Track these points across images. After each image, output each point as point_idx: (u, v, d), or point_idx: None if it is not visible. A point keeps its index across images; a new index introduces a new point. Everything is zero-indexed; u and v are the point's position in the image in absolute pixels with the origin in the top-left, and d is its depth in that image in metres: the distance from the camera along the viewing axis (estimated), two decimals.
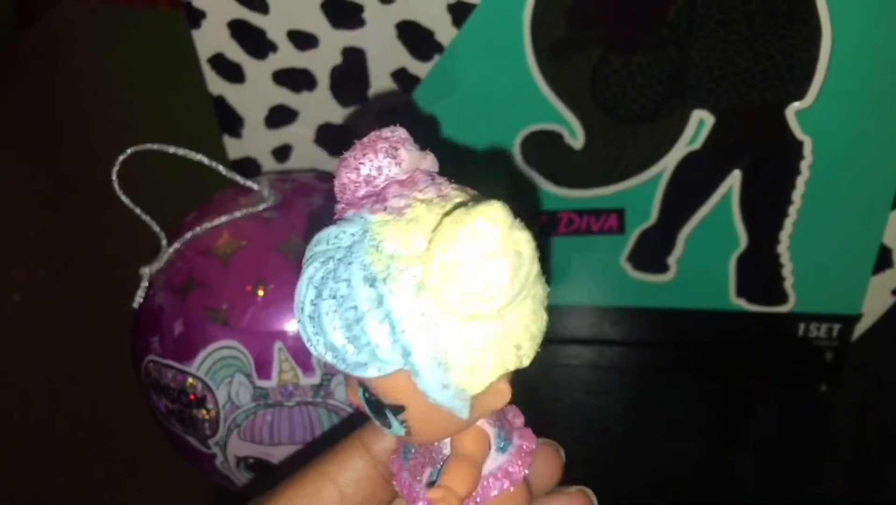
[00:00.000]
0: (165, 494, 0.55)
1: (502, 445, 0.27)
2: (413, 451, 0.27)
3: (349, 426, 0.31)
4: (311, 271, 0.24)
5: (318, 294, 0.23)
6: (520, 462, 0.27)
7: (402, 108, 0.53)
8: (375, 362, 0.23)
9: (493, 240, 0.22)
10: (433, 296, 0.22)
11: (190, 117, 0.74)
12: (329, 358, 0.23)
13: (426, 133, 0.54)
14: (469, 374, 0.23)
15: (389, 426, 0.25)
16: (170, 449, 0.48)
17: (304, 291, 0.23)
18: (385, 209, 0.24)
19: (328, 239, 0.24)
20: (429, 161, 0.26)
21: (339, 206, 0.26)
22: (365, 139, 0.26)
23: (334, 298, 0.23)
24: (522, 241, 0.22)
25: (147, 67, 1.03)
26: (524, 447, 0.28)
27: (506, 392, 0.25)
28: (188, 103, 0.74)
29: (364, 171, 0.25)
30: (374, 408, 0.24)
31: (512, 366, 0.24)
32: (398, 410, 0.24)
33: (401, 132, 0.26)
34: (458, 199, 0.24)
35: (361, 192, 0.25)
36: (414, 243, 0.23)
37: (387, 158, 0.25)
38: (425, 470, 0.27)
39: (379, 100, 0.53)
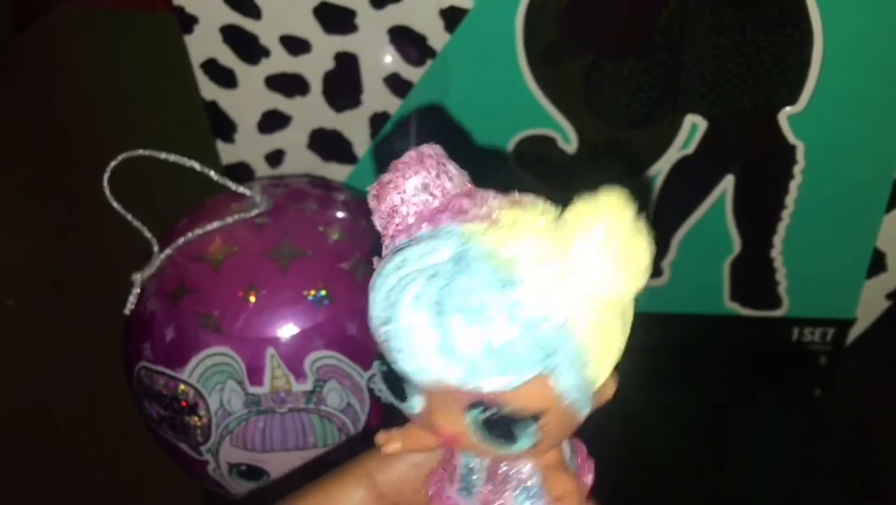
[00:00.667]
0: (159, 500, 0.55)
1: (569, 456, 0.27)
2: (477, 487, 0.26)
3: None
4: (418, 291, 0.22)
5: (440, 312, 0.21)
6: (588, 472, 0.27)
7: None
8: (515, 370, 0.21)
9: (630, 218, 0.22)
10: (576, 286, 0.22)
11: (186, 121, 0.74)
12: (456, 379, 0.21)
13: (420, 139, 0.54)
14: (600, 363, 0.23)
15: (514, 442, 0.23)
16: (163, 455, 0.48)
17: (414, 314, 0.22)
18: (471, 219, 0.23)
19: (418, 258, 0.22)
20: (466, 175, 0.26)
21: (391, 229, 0.24)
22: (406, 158, 0.25)
23: (463, 312, 0.21)
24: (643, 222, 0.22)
25: (144, 70, 1.02)
26: (583, 451, 0.27)
27: (613, 383, 0.25)
28: (185, 106, 0.74)
29: (410, 189, 0.24)
30: (495, 427, 0.23)
31: (621, 354, 0.23)
32: (536, 418, 0.23)
33: (438, 149, 0.25)
34: (534, 203, 0.23)
35: (415, 212, 0.24)
36: (529, 244, 0.22)
37: (440, 175, 0.24)
38: (504, 497, 0.26)
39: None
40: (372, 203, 0.25)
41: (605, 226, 0.21)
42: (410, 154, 0.25)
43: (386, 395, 0.25)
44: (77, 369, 0.63)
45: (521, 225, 0.22)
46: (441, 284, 0.21)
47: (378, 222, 0.25)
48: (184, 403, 0.44)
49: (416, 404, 0.24)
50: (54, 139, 0.92)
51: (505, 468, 0.25)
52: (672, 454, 0.56)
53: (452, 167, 0.25)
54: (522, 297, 0.21)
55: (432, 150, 0.25)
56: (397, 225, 0.24)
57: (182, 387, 0.43)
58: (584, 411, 0.23)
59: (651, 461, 0.56)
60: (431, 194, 0.24)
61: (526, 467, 0.25)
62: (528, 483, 0.25)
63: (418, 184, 0.24)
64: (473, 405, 0.22)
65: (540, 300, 0.21)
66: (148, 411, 0.46)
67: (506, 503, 0.25)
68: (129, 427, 0.51)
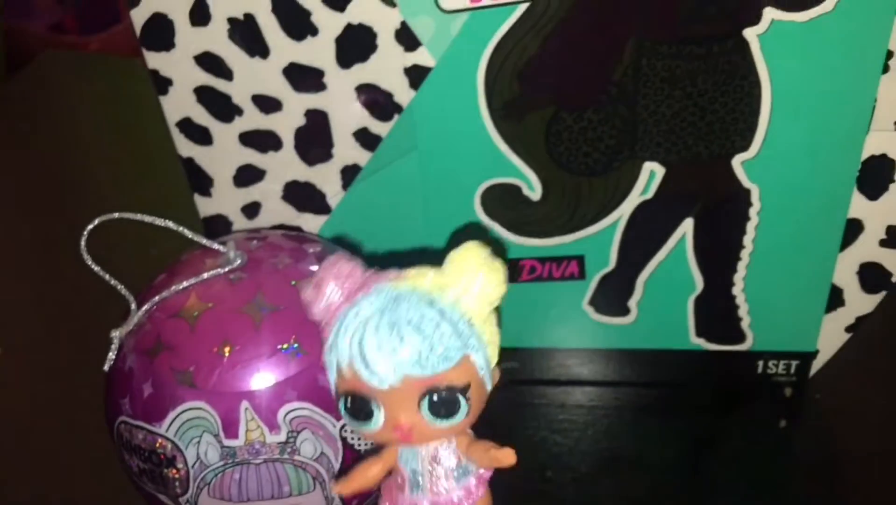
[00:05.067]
0: None
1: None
2: (423, 481, 0.35)
3: None
4: (375, 323, 0.32)
5: (394, 327, 0.31)
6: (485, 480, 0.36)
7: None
8: (450, 355, 0.32)
9: (486, 254, 0.34)
10: (468, 298, 0.33)
11: (167, 168, 0.75)
12: (415, 371, 0.31)
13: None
14: (493, 346, 0.34)
15: (456, 414, 0.33)
16: None
17: (377, 336, 0.31)
18: (389, 280, 0.33)
19: (368, 306, 0.32)
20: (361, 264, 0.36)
21: (328, 315, 0.35)
22: (319, 279, 0.35)
23: (410, 323, 0.31)
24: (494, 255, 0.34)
25: (129, 117, 1.03)
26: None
27: (498, 371, 0.36)
28: (166, 154, 0.75)
29: (332, 289, 0.34)
30: (443, 406, 0.32)
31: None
32: (467, 389, 0.33)
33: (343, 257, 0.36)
34: (419, 269, 0.34)
35: (339, 296, 0.34)
36: (434, 280, 0.33)
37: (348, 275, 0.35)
38: (446, 482, 0.35)
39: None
40: (305, 296, 0.35)
41: (474, 262, 0.33)
42: (333, 262, 0.35)
43: (353, 425, 0.34)
44: (62, 422, 0.64)
45: (421, 275, 0.33)
46: (389, 313, 0.31)
47: (317, 312, 0.35)
48: (162, 457, 0.45)
49: (379, 418, 0.33)
50: (38, 188, 0.92)
51: (439, 460, 0.34)
52: (641, 486, 0.57)
53: (351, 265, 0.35)
54: (443, 307, 0.32)
55: (339, 263, 0.35)
56: (334, 310, 0.34)
57: (160, 441, 0.45)
58: (489, 386, 0.34)
59: (620, 493, 0.57)
60: (346, 281, 0.35)
61: (452, 455, 0.34)
62: (458, 465, 0.34)
63: (338, 283, 0.34)
64: (424, 394, 0.32)
65: (453, 308, 0.32)
66: (129, 464, 0.47)
67: (448, 486, 0.34)
68: (111, 480, 0.52)
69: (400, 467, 0.35)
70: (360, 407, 0.33)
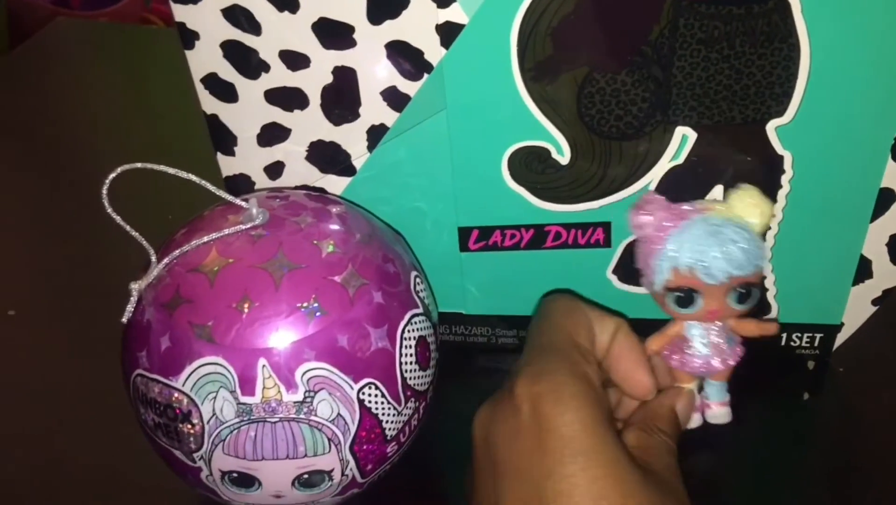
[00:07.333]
0: None
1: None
2: (706, 343, 0.43)
3: None
4: (710, 241, 0.41)
5: (723, 245, 0.41)
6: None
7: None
8: (755, 264, 0.41)
9: (760, 194, 0.44)
10: (759, 228, 0.43)
11: (188, 132, 0.71)
12: (736, 273, 0.41)
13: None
14: (766, 261, 0.46)
15: (747, 303, 0.42)
16: (159, 461, 0.45)
17: (712, 249, 0.41)
18: (701, 211, 0.43)
19: (701, 230, 0.41)
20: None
21: (663, 232, 0.43)
22: (646, 206, 0.44)
23: (734, 242, 0.41)
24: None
25: (144, 83, 1.00)
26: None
27: None
28: (185, 118, 0.72)
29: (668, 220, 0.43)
30: (742, 298, 0.42)
31: None
32: (757, 285, 0.42)
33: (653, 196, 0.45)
34: (705, 203, 0.44)
35: (665, 223, 0.43)
36: (732, 213, 0.43)
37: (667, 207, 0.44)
38: (722, 343, 0.44)
39: None
40: (643, 220, 0.43)
41: (760, 199, 0.43)
42: (654, 198, 0.44)
43: (676, 310, 0.43)
44: (79, 378, 0.61)
45: (725, 207, 0.43)
46: (720, 235, 0.41)
47: (651, 228, 0.43)
48: (178, 411, 0.41)
49: (699, 304, 0.42)
50: (53, 150, 0.89)
51: (720, 332, 0.43)
52: None
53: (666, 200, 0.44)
54: (749, 231, 0.42)
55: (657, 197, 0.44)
56: (668, 228, 0.42)
57: (176, 395, 0.41)
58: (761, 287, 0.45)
59: None
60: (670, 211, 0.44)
61: (725, 329, 0.43)
62: (729, 336, 0.43)
63: (666, 213, 0.43)
64: (733, 289, 0.41)
65: (752, 231, 0.42)
66: (144, 418, 0.43)
67: (723, 345, 0.43)
68: (126, 433, 0.49)
69: (687, 337, 0.43)
70: (687, 298, 0.42)
